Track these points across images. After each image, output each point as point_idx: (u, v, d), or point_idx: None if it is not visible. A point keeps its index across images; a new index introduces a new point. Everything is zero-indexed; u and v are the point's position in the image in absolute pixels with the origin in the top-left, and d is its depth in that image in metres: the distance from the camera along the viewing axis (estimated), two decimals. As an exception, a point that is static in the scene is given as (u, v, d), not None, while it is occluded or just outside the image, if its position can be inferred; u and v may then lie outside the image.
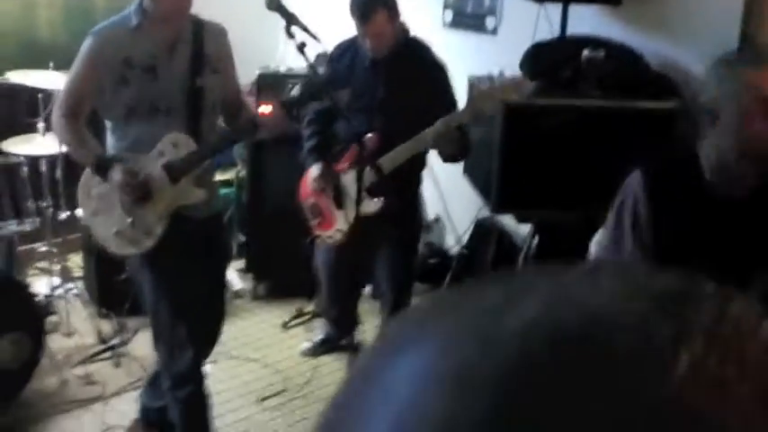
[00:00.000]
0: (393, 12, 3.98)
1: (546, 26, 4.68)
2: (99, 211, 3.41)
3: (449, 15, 5.64)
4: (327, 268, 4.46)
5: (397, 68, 4.03)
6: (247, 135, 3.90)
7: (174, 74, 3.36)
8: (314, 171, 4.04)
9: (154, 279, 3.45)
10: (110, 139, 3.46)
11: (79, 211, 5.04)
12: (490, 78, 3.74)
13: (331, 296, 4.58)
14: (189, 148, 3.36)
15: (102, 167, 3.29)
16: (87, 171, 3.39)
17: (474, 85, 4.24)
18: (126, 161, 3.30)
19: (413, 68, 4.07)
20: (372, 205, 3.90)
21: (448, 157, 4.11)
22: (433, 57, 4.17)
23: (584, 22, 4.56)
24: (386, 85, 4.01)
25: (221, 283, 3.91)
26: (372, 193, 3.89)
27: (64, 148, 4.54)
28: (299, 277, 4.92)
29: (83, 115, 3.39)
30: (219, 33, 3.56)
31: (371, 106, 3.98)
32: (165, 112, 3.35)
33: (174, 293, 3.44)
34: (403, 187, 4.09)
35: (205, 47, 3.45)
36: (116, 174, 3.23)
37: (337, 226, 4.07)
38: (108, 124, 3.46)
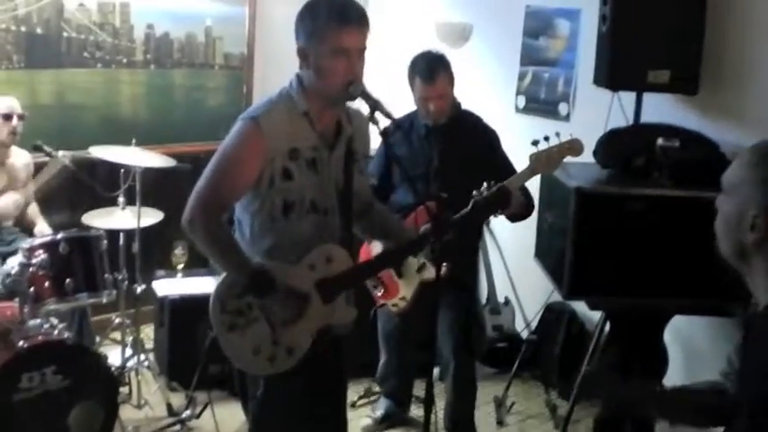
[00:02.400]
0: (453, 77, 4.19)
1: (620, 114, 4.70)
2: (236, 326, 2.94)
3: (522, 101, 5.69)
4: (389, 338, 4.50)
5: (452, 136, 4.19)
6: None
7: (332, 170, 3.02)
8: (376, 245, 3.98)
9: (277, 398, 3.04)
10: (255, 242, 3.03)
11: (155, 285, 5.16)
12: (546, 139, 3.77)
13: (391, 366, 4.62)
14: (344, 264, 3.02)
15: (260, 281, 2.90)
16: (224, 283, 2.95)
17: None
18: (282, 271, 2.93)
19: (466, 135, 4.23)
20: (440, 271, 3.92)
21: (514, 217, 4.15)
22: (485, 124, 4.32)
23: (660, 110, 4.58)
24: (441, 152, 4.16)
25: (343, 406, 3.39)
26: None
27: (143, 223, 4.68)
28: (368, 357, 4.92)
29: (226, 213, 3.01)
30: (363, 121, 3.08)
31: (427, 175, 4.05)
32: (323, 213, 3.01)
33: (297, 418, 3.07)
34: (462, 251, 4.11)
35: (355, 141, 3.09)
36: (278, 289, 2.90)
37: (400, 294, 4.11)
38: (245, 223, 3.05)
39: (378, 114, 2.90)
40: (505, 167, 4.10)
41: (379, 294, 4.22)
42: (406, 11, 6.37)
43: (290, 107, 2.97)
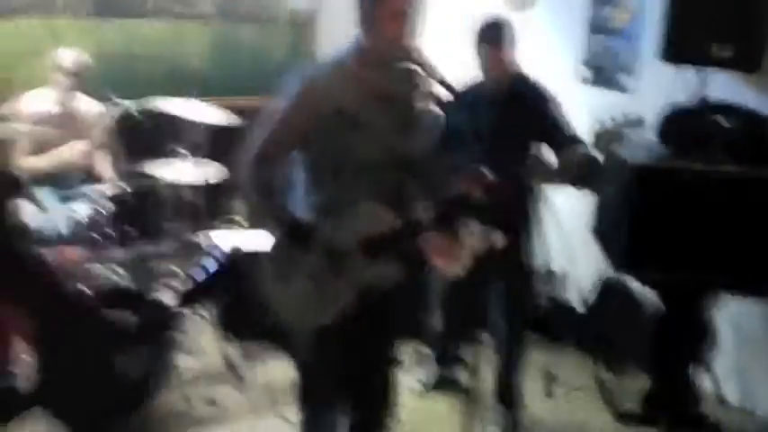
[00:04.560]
0: (515, 43, 4.16)
1: (683, 89, 4.66)
2: (281, 277, 3.05)
3: (585, 71, 5.65)
4: (441, 301, 4.53)
5: (511, 101, 4.19)
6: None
7: (385, 130, 3.03)
8: None
9: (319, 352, 3.15)
10: (299, 194, 3.13)
11: (213, 235, 5.24)
12: (612, 119, 3.78)
13: (441, 329, 4.66)
14: (390, 225, 3.03)
15: (297, 234, 3.00)
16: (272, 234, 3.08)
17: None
18: (323, 227, 3.00)
19: (526, 102, 4.21)
20: (495, 240, 3.95)
21: (578, 182, 4.20)
22: (545, 89, 4.31)
23: (723, 86, 4.53)
24: (500, 118, 4.15)
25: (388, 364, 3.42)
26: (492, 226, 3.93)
27: (204, 176, 4.76)
28: (418, 319, 4.95)
29: (279, 166, 3.07)
30: (425, 82, 3.12)
31: (487, 139, 4.07)
32: (373, 172, 3.03)
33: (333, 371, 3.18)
34: (519, 222, 4.17)
35: (416, 98, 3.09)
36: (315, 244, 2.97)
37: (455, 258, 4.13)
38: (301, 178, 3.12)
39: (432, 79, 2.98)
40: (565, 132, 4.12)
41: (435, 255, 4.21)
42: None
43: (342, 67, 3.01)
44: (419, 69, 3.00)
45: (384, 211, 3.04)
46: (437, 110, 3.15)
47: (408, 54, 2.98)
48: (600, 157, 4.04)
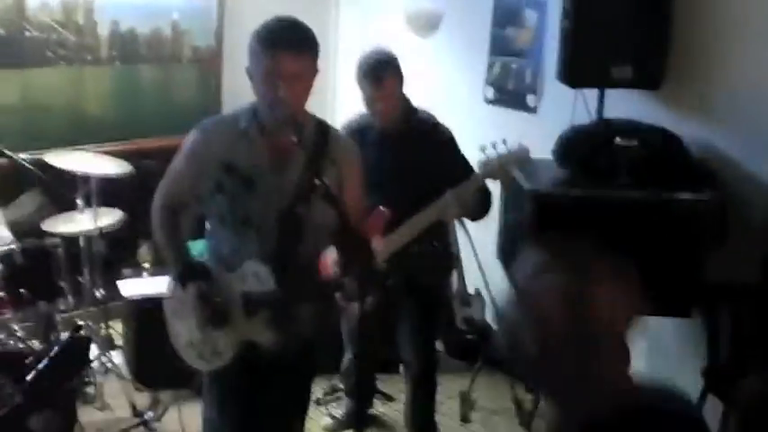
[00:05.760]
0: (401, 78, 4.09)
1: (585, 107, 4.64)
2: (176, 313, 3.20)
3: (490, 92, 5.63)
4: (352, 335, 4.48)
5: (406, 141, 4.10)
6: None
7: (276, 192, 3.05)
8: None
9: (218, 400, 3.22)
10: (207, 242, 3.31)
11: (120, 284, 5.14)
12: (494, 146, 3.76)
13: (353, 363, 4.61)
14: (267, 286, 3.03)
15: (184, 276, 3.11)
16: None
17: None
18: (213, 274, 3.10)
19: (421, 140, 4.13)
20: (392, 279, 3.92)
21: (471, 218, 4.24)
22: (440, 126, 4.23)
23: (623, 105, 4.51)
24: (395, 159, 4.06)
25: (300, 408, 3.47)
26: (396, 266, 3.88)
27: (104, 224, 4.67)
28: (334, 354, 4.90)
29: (182, 210, 3.21)
30: (349, 151, 3.23)
31: (382, 181, 4.00)
32: (257, 230, 3.06)
33: (239, 419, 3.19)
34: (425, 256, 4.10)
35: (323, 169, 3.02)
36: (193, 289, 3.07)
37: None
38: (207, 226, 3.28)
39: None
40: (461, 170, 4.05)
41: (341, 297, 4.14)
42: (379, 1, 6.29)
43: (236, 123, 3.07)
44: (313, 131, 3.06)
45: (266, 271, 3.03)
46: (332, 173, 3.09)
47: (302, 116, 3.02)
48: (492, 186, 4.03)
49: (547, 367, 1.78)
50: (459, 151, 4.19)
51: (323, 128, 3.16)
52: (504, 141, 3.73)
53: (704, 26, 4.37)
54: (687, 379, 4.20)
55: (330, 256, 3.86)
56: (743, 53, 4.24)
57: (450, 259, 4.56)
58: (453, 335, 5.46)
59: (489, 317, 5.66)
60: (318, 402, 4.98)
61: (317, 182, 2.93)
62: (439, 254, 4.32)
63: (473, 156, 4.07)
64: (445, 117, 4.32)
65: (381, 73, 4.01)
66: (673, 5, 4.33)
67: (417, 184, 3.93)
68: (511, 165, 3.74)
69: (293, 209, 3.05)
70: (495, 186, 4.13)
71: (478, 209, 4.06)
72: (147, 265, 5.33)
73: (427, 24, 5.93)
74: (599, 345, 1.73)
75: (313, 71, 2.99)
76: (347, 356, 4.74)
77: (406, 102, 4.17)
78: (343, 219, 2.93)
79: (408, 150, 4.07)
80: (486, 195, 4.06)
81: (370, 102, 4.06)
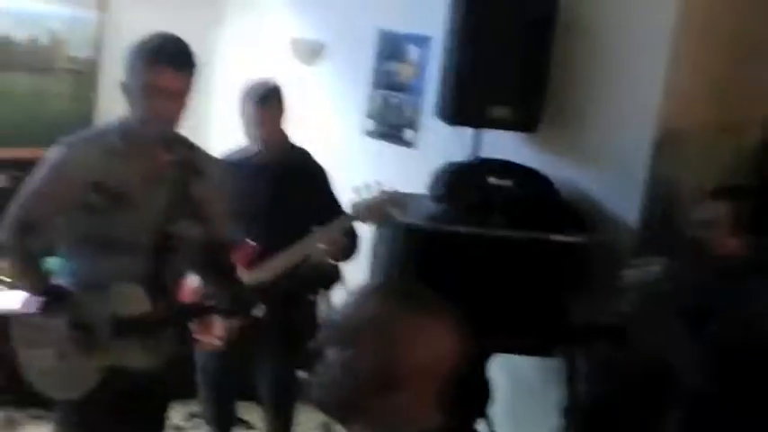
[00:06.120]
0: (284, 109, 4.07)
1: (461, 146, 4.70)
2: (29, 340, 3.01)
3: (370, 124, 5.65)
4: (206, 373, 4.37)
5: (282, 176, 4.07)
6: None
7: (147, 210, 2.96)
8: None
9: (76, 428, 3.08)
10: (64, 264, 3.12)
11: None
12: (368, 188, 3.78)
13: (209, 399, 4.51)
14: (141, 307, 2.95)
15: (48, 303, 2.92)
16: (26, 298, 3.01)
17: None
18: (76, 299, 2.94)
19: (297, 175, 4.11)
20: (256, 313, 3.85)
21: (336, 260, 4.17)
22: (316, 162, 4.22)
23: (500, 145, 4.58)
24: (270, 193, 4.02)
25: None
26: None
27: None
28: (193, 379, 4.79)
29: (36, 235, 2.96)
30: (216, 168, 3.20)
31: (257, 214, 3.97)
32: (127, 250, 2.95)
33: None
34: (291, 295, 4.05)
35: (192, 187, 3.02)
36: (56, 315, 2.91)
37: (218, 332, 3.99)
38: (64, 246, 3.10)
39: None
40: (333, 209, 4.06)
41: (198, 330, 4.05)
42: (263, 26, 6.26)
43: (104, 139, 2.98)
44: (187, 148, 3.02)
45: (139, 292, 2.94)
46: (201, 190, 3.05)
47: (175, 133, 2.98)
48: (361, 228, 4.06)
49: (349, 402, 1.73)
50: (331, 189, 4.19)
51: (190, 145, 3.12)
52: (379, 183, 3.75)
53: (579, 71, 4.51)
54: (550, 419, 4.28)
55: (191, 282, 3.82)
56: (611, 99, 4.39)
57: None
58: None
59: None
60: (177, 429, 4.86)
61: (188, 200, 2.90)
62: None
63: (349, 188, 4.10)
64: (324, 147, 4.34)
65: (268, 95, 4.00)
66: (552, 50, 4.44)
67: (290, 219, 3.91)
68: (383, 208, 3.76)
69: (166, 227, 2.98)
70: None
71: (344, 251, 4.06)
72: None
73: (311, 52, 5.92)
74: (401, 383, 1.68)
75: (191, 89, 2.95)
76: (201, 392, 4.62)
77: (285, 135, 4.15)
78: (211, 237, 2.90)
79: (284, 185, 4.04)
80: (352, 238, 4.06)
81: (252, 126, 4.02)
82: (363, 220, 3.85)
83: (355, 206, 3.76)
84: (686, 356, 3.13)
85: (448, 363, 1.73)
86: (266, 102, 4.00)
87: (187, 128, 3.11)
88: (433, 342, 1.71)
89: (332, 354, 1.72)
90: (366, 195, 3.75)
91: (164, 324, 3.02)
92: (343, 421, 1.79)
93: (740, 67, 4.30)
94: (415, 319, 1.72)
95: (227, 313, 3.14)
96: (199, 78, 2.99)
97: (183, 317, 3.14)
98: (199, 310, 3.21)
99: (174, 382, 3.48)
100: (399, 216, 3.95)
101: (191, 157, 3.05)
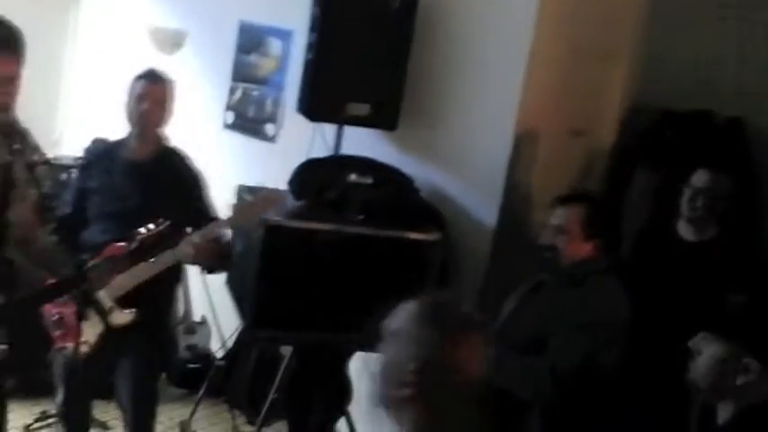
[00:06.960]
0: (170, 96, 3.98)
1: (322, 142, 4.68)
2: None
3: (230, 117, 5.57)
4: (67, 374, 4.22)
5: (156, 173, 3.94)
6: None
7: None
8: None
9: None
10: None
11: None
12: (252, 190, 3.74)
13: (67, 399, 4.36)
14: None
15: None
16: None
17: (240, 196, 4.23)
18: None
19: (171, 174, 3.98)
20: (122, 317, 3.73)
21: (208, 269, 4.07)
22: (191, 164, 4.10)
23: (361, 142, 4.58)
24: (143, 190, 3.89)
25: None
26: (123, 303, 3.72)
27: None
28: (45, 377, 4.63)
29: None
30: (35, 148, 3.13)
31: (125, 213, 3.83)
32: None
33: None
34: (157, 297, 3.95)
35: (15, 169, 2.96)
36: None
37: (83, 338, 3.85)
38: None
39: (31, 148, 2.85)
40: (207, 213, 3.99)
41: (59, 336, 3.90)
42: (119, 14, 6.09)
43: None
44: (16, 135, 2.92)
45: None
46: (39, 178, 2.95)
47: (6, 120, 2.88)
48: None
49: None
50: (206, 192, 4.08)
51: (23, 130, 3.05)
52: (258, 189, 3.71)
53: (435, 73, 4.54)
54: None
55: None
56: (471, 99, 4.43)
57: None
58: (176, 363, 5.32)
59: (214, 345, 5.56)
60: (28, 428, 4.70)
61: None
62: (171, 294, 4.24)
63: (210, 182, 4.03)
64: (184, 138, 4.21)
65: (160, 76, 3.93)
66: (410, 51, 4.46)
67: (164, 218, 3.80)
68: (266, 206, 3.74)
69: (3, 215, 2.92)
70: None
71: (218, 259, 3.99)
72: None
73: (171, 42, 5.80)
74: None
75: (18, 73, 2.86)
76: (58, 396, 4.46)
77: (162, 125, 4.01)
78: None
79: (156, 183, 3.89)
80: (227, 246, 4.01)
81: (135, 102, 3.88)
82: (244, 221, 3.78)
83: (236, 209, 3.71)
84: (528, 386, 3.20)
85: None
86: (156, 80, 3.90)
87: (37, 115, 3.01)
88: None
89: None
90: (244, 199, 3.70)
91: (19, 313, 3.04)
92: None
93: (590, 68, 4.37)
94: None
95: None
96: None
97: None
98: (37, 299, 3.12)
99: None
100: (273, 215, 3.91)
101: (17, 137, 2.96)
